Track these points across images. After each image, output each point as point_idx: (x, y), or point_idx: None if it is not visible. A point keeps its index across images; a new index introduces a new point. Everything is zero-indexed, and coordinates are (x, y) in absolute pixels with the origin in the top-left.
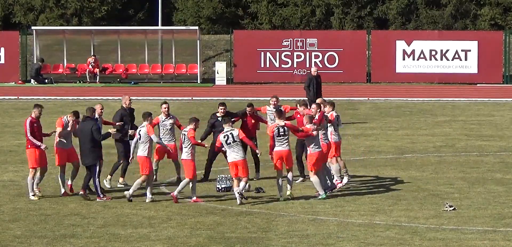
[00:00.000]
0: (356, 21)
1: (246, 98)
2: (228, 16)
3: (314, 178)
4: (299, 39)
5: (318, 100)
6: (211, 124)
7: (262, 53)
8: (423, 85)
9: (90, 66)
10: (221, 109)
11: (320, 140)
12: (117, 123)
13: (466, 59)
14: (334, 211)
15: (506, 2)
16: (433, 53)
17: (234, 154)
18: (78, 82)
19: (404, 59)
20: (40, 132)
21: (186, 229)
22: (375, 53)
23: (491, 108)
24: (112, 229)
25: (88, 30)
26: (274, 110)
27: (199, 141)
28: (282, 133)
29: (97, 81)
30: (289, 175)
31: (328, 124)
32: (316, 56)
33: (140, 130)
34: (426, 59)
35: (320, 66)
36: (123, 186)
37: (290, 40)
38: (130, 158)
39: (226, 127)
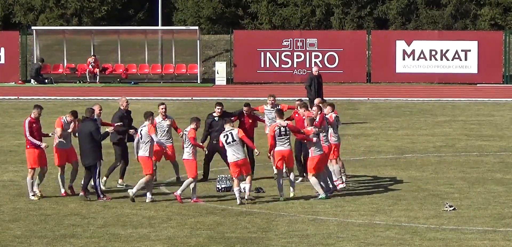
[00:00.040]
0: (356, 21)
1: (246, 98)
2: (228, 16)
3: (312, 179)
4: (299, 39)
5: (316, 101)
6: (208, 124)
7: (262, 53)
8: (423, 85)
9: (90, 66)
10: (218, 109)
11: (321, 142)
12: (116, 124)
13: (466, 59)
14: (334, 211)
15: (506, 2)
16: (433, 53)
17: (234, 154)
18: (78, 82)
19: (404, 59)
20: (39, 132)
21: (186, 229)
22: (375, 53)
23: (491, 108)
24: (112, 229)
25: (88, 30)
26: (272, 109)
27: (199, 143)
28: (283, 132)
29: (97, 81)
30: (291, 176)
31: (328, 126)
32: (316, 56)
33: (141, 130)
34: (426, 59)
35: (320, 66)
36: (123, 186)
37: (290, 40)
38: (136, 157)
39: (227, 127)
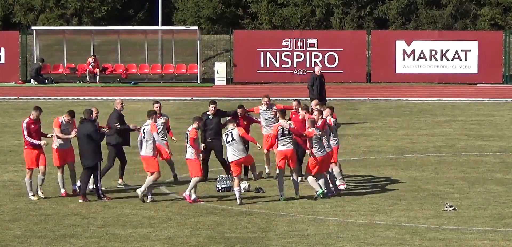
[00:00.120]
0: (356, 21)
1: (246, 98)
2: (228, 16)
3: (310, 178)
4: (299, 39)
5: (313, 103)
6: (203, 123)
7: (262, 53)
8: (423, 85)
9: (90, 66)
10: (212, 107)
11: (323, 146)
12: (114, 125)
13: (466, 59)
14: (334, 211)
15: (506, 2)
16: (433, 53)
17: (234, 153)
18: (78, 82)
19: (404, 59)
20: (37, 133)
21: (186, 229)
22: (375, 53)
23: (491, 108)
24: (112, 229)
25: (88, 30)
26: (267, 109)
27: (197, 146)
28: (286, 132)
29: (97, 81)
30: (294, 177)
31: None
32: (316, 56)
33: (144, 129)
34: (426, 59)
35: (320, 66)
36: (122, 186)
37: (290, 40)
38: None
39: (229, 126)
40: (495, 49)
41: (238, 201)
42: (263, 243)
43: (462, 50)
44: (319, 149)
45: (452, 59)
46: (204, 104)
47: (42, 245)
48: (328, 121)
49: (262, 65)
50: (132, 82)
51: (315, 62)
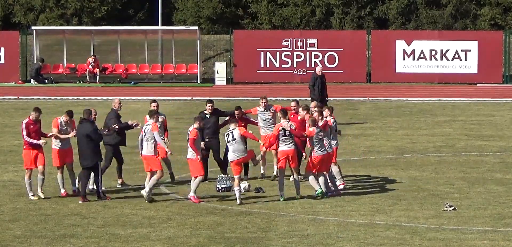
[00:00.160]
0: (356, 21)
1: (246, 98)
2: (228, 16)
3: (311, 178)
4: (299, 39)
5: (312, 105)
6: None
7: (262, 53)
8: (423, 85)
9: (90, 66)
10: (209, 106)
11: (324, 146)
12: (112, 126)
13: (466, 59)
14: (334, 211)
15: (506, 2)
16: (433, 53)
17: (235, 153)
18: (78, 82)
19: (404, 59)
20: (37, 133)
21: (186, 229)
22: (375, 53)
23: (491, 108)
24: (112, 229)
25: (88, 30)
26: (265, 110)
27: (196, 148)
28: (288, 133)
29: (97, 81)
30: (296, 177)
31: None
32: (316, 56)
33: (145, 128)
34: (426, 59)
35: (319, 64)
36: (120, 186)
37: (290, 40)
38: (140, 153)
39: (231, 126)
40: (495, 49)
41: (238, 201)
42: (263, 243)
43: (462, 50)
44: (320, 149)
45: (452, 59)
46: (204, 104)
47: (42, 245)
48: (328, 122)
49: (262, 65)
50: (132, 82)
51: (315, 62)
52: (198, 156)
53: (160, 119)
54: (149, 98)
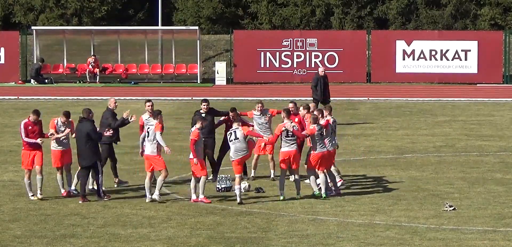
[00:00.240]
0: (356, 21)
1: (246, 98)
2: (228, 16)
3: (312, 178)
4: (299, 39)
5: (311, 106)
6: (195, 121)
7: (262, 53)
8: (423, 85)
9: (90, 66)
10: (204, 105)
11: (325, 144)
12: (106, 134)
13: (466, 59)
14: (334, 211)
15: (506, 2)
16: (433, 53)
17: (236, 152)
18: (78, 82)
19: (404, 59)
20: (35, 134)
21: (186, 229)
22: (375, 53)
23: (491, 108)
24: (112, 229)
25: (88, 30)
26: (261, 115)
27: (194, 149)
28: (291, 133)
29: (97, 81)
30: (297, 177)
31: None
32: (316, 56)
33: (148, 128)
34: (426, 59)
35: (320, 65)
36: (116, 186)
37: (290, 40)
38: (140, 152)
39: (234, 125)
40: (495, 49)
41: (238, 199)
42: (263, 243)
43: (462, 50)
44: (320, 147)
45: (452, 59)
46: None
47: (42, 245)
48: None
49: (262, 65)
50: (132, 82)
51: (315, 62)
52: (195, 158)
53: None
54: (149, 98)
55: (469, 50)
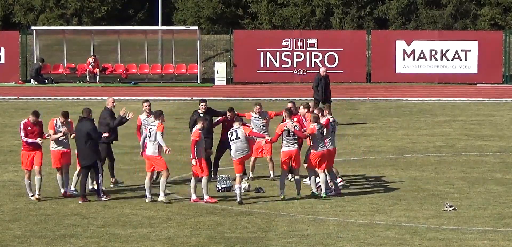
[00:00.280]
0: (356, 21)
1: (246, 98)
2: (228, 16)
3: (312, 179)
4: (299, 39)
5: (310, 104)
6: (193, 121)
7: (262, 53)
8: (423, 85)
9: (90, 66)
10: (202, 105)
11: (325, 143)
12: (104, 135)
13: (466, 59)
14: (334, 211)
15: (506, 2)
16: (433, 53)
17: (238, 151)
18: (78, 82)
19: (404, 59)
20: (34, 135)
21: (186, 229)
22: (375, 53)
23: (491, 108)
24: (112, 229)
25: (88, 30)
26: (259, 116)
27: (194, 151)
28: (292, 133)
29: (97, 81)
30: (297, 178)
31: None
32: (316, 56)
33: (150, 128)
34: (426, 59)
35: (320, 66)
36: (113, 186)
37: (290, 40)
38: (140, 152)
39: (235, 124)
40: (495, 49)
41: (238, 199)
42: (263, 243)
43: (462, 50)
44: (320, 145)
45: (452, 59)
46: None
47: (42, 245)
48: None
49: (262, 65)
50: (132, 82)
51: (315, 62)
52: (193, 159)
53: (152, 118)
54: (149, 98)
55: (469, 50)
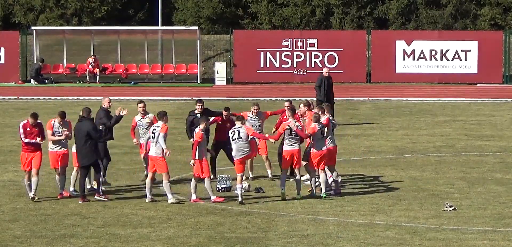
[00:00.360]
0: (356, 21)
1: (246, 98)
2: (228, 16)
3: (313, 180)
4: (299, 39)
5: (311, 102)
6: (190, 121)
7: (262, 53)
8: (423, 85)
9: (90, 66)
10: (199, 105)
11: (325, 143)
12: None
13: (466, 59)
14: (334, 211)
15: (506, 2)
16: (433, 53)
17: (239, 151)
18: (78, 82)
19: (404, 59)
20: (33, 136)
21: (186, 229)
22: (375, 53)
23: (491, 108)
24: (112, 229)
25: (88, 30)
26: (256, 117)
27: (195, 153)
28: (295, 133)
29: (97, 81)
30: (298, 178)
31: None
32: (316, 56)
33: (154, 130)
34: (426, 59)
35: (320, 66)
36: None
37: (290, 40)
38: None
39: (237, 124)
40: (495, 49)
41: (240, 199)
42: (263, 243)
43: (462, 50)
44: (321, 145)
45: (452, 59)
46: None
47: (42, 245)
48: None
49: (262, 65)
50: (132, 82)
51: (315, 62)
52: (192, 160)
53: (147, 120)
54: (149, 98)
55: (469, 50)
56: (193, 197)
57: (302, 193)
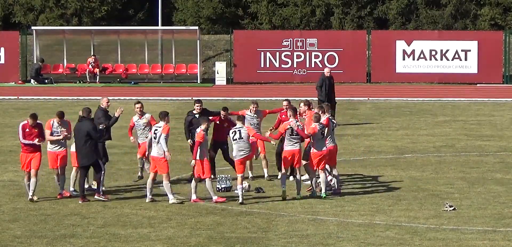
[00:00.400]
0: (356, 21)
1: (246, 98)
2: (228, 16)
3: (313, 180)
4: (299, 39)
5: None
6: (188, 121)
7: (262, 53)
8: (423, 85)
9: (90, 66)
10: (197, 106)
11: (325, 142)
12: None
13: (466, 59)
14: (334, 211)
15: (506, 2)
16: (433, 53)
17: (240, 151)
18: (78, 82)
19: (404, 59)
20: (32, 137)
21: (186, 229)
22: (375, 53)
23: (491, 108)
24: (112, 229)
25: (88, 30)
26: (254, 115)
27: (195, 151)
28: (296, 133)
29: (97, 81)
30: (297, 177)
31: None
32: (316, 56)
33: (156, 130)
34: (426, 59)
35: (320, 66)
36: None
37: (290, 40)
38: (145, 154)
39: (238, 124)
40: (495, 49)
41: (240, 199)
42: (263, 243)
43: (462, 50)
44: (321, 145)
45: (452, 59)
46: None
47: (42, 245)
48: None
49: (262, 65)
50: (132, 82)
51: (315, 62)
52: (193, 160)
53: (144, 120)
54: (149, 98)
55: (469, 50)
56: (193, 197)
57: (302, 193)
